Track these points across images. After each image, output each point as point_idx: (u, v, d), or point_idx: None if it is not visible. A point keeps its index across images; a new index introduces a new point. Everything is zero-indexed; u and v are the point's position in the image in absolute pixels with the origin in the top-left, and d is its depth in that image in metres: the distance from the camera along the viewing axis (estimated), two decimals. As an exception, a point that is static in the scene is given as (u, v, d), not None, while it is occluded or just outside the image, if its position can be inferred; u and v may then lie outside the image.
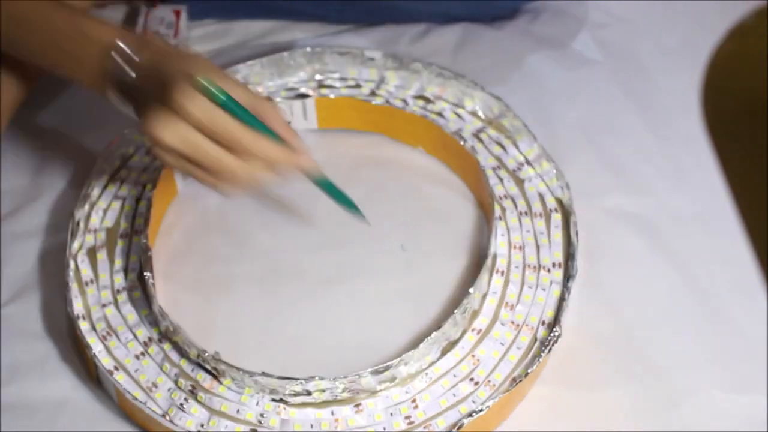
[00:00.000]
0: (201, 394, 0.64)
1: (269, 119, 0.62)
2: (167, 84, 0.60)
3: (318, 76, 0.84)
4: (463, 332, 0.67)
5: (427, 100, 0.82)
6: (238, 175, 0.61)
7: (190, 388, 0.64)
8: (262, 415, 0.63)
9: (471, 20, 0.92)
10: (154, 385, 0.65)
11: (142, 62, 0.64)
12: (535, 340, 0.67)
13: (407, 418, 0.63)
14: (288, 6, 0.93)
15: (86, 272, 0.71)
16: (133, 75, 0.64)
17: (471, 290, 0.66)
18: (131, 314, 0.69)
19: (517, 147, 0.78)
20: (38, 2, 0.68)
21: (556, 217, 0.73)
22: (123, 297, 0.69)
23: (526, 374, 0.63)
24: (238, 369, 0.62)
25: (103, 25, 0.66)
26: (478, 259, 0.73)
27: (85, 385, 0.67)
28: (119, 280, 0.71)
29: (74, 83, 0.71)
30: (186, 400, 0.64)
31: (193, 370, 0.65)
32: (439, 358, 0.66)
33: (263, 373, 0.62)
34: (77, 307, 0.69)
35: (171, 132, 0.59)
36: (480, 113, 0.81)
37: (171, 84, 0.59)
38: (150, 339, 0.67)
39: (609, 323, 0.69)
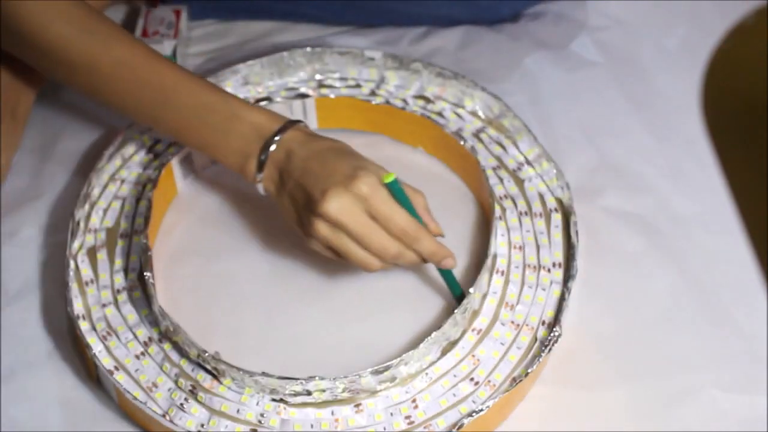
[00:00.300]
0: (201, 394, 0.64)
1: (418, 210, 0.67)
2: (341, 172, 0.65)
3: (318, 76, 0.84)
4: (463, 332, 0.67)
5: (427, 100, 0.82)
6: (393, 257, 0.66)
7: (190, 388, 0.64)
8: (262, 415, 0.63)
9: (472, 23, 0.92)
10: (155, 385, 0.65)
11: (298, 160, 0.67)
12: (535, 340, 0.67)
13: (407, 417, 0.63)
14: (288, 7, 0.93)
15: (86, 272, 0.71)
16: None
17: (471, 290, 0.66)
18: (131, 314, 0.69)
19: (517, 147, 0.78)
20: (191, 83, 0.69)
21: (556, 217, 0.73)
22: (123, 297, 0.69)
23: (526, 374, 0.63)
24: (239, 369, 0.62)
25: (260, 114, 0.68)
26: (478, 259, 0.73)
27: (85, 385, 0.67)
28: (119, 280, 0.71)
29: (216, 161, 0.72)
30: (186, 400, 0.64)
31: (193, 370, 0.65)
32: (439, 358, 0.66)
33: (263, 373, 0.62)
34: (77, 307, 0.69)
35: (349, 213, 0.64)
36: (480, 113, 0.81)
37: (354, 175, 0.64)
38: (150, 339, 0.67)
39: (609, 323, 0.69)
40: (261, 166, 0.67)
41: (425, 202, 0.68)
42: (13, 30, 0.68)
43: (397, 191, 0.65)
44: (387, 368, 0.63)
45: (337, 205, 0.63)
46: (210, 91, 0.69)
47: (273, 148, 0.67)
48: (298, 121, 0.69)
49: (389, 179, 0.65)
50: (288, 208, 0.67)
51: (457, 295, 0.69)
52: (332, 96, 0.82)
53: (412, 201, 0.67)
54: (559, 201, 0.74)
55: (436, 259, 0.67)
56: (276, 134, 0.67)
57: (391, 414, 0.63)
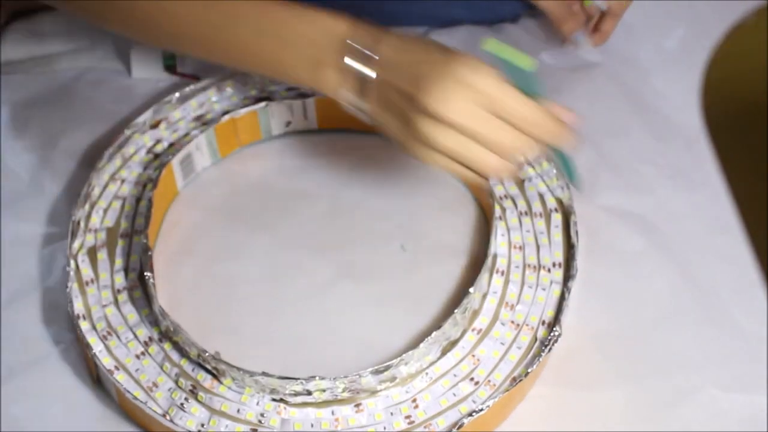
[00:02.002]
0: (201, 394, 0.64)
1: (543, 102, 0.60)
2: (437, 61, 0.56)
3: (318, 76, 0.84)
4: (464, 332, 0.67)
5: (427, 100, 0.82)
6: (512, 150, 0.57)
7: (190, 387, 0.64)
8: (262, 415, 0.63)
9: (472, 24, 0.92)
10: (155, 384, 0.65)
11: (382, 58, 0.59)
12: (535, 339, 0.67)
13: (407, 417, 0.63)
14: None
15: (86, 272, 0.71)
16: (373, 75, 0.59)
17: (471, 290, 0.66)
18: (132, 314, 0.69)
19: (517, 147, 0.78)
20: None
21: (556, 217, 0.73)
22: (123, 297, 0.70)
23: (527, 374, 0.63)
24: (239, 369, 0.63)
25: (330, 16, 0.60)
26: (478, 259, 0.73)
27: (85, 385, 0.67)
28: (120, 279, 0.71)
29: (287, 81, 0.65)
30: (186, 399, 0.64)
31: (193, 370, 0.65)
32: (439, 358, 0.66)
33: (263, 373, 0.62)
34: (77, 306, 0.69)
35: (461, 107, 0.55)
36: (480, 113, 0.81)
37: (451, 60, 0.56)
38: (150, 339, 0.67)
39: (609, 323, 0.69)
40: (342, 75, 0.60)
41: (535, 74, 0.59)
42: None
43: (506, 63, 0.55)
44: (387, 368, 0.63)
45: (443, 99, 0.55)
46: (278, 3, 0.62)
47: (348, 58, 0.59)
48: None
49: (490, 46, 0.55)
50: (386, 116, 0.59)
51: (570, 176, 0.63)
52: (332, 96, 0.82)
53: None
54: (559, 201, 0.74)
55: (556, 142, 0.59)
56: (349, 38, 0.59)
57: (392, 414, 0.63)
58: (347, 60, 0.59)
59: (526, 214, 0.74)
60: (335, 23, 0.61)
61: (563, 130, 0.59)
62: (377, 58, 0.59)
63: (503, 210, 0.74)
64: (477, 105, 0.56)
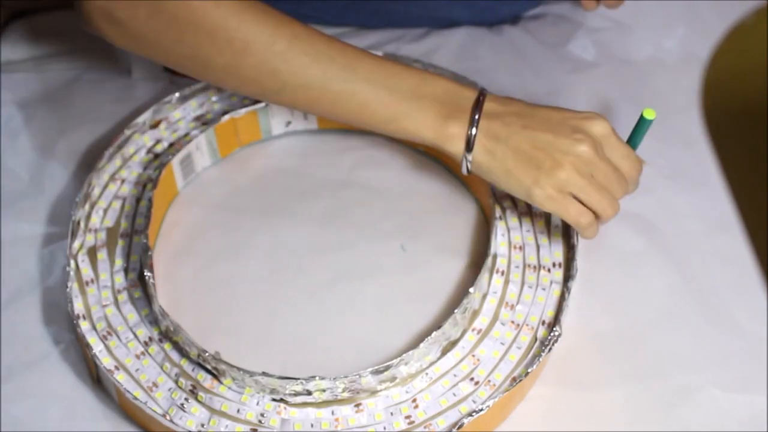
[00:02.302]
0: (201, 394, 0.64)
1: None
2: (571, 124, 0.63)
3: (318, 77, 0.84)
4: (464, 332, 0.67)
5: (427, 101, 0.82)
6: (606, 211, 0.65)
7: (190, 387, 0.64)
8: (262, 415, 0.63)
9: (472, 25, 0.92)
10: (155, 384, 0.65)
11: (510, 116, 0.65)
12: (535, 339, 0.67)
13: (407, 417, 0.63)
14: (288, 8, 0.93)
15: (86, 272, 0.71)
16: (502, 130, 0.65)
17: (471, 290, 0.66)
18: (132, 314, 0.69)
19: (517, 147, 0.78)
20: (370, 53, 0.66)
21: (557, 217, 0.73)
22: (123, 297, 0.70)
23: (527, 374, 0.63)
24: (239, 369, 0.63)
25: (448, 81, 0.66)
26: (478, 259, 0.73)
27: (85, 385, 0.67)
28: (120, 279, 0.71)
29: (407, 136, 0.67)
30: (186, 399, 0.64)
31: (193, 370, 0.65)
32: (439, 358, 0.66)
33: (263, 373, 0.62)
34: (77, 306, 0.69)
35: (590, 157, 0.62)
36: (480, 113, 0.81)
37: (584, 121, 0.63)
38: (150, 339, 0.67)
39: (609, 323, 0.69)
40: (468, 132, 0.64)
41: None
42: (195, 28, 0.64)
43: (638, 133, 0.64)
44: (387, 368, 0.63)
45: (583, 149, 0.62)
46: (392, 60, 0.66)
47: (477, 115, 0.64)
48: (482, 89, 0.66)
49: (651, 115, 0.63)
50: (509, 167, 0.64)
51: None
52: (332, 96, 0.82)
53: None
54: (559, 201, 0.74)
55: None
56: (474, 96, 0.65)
57: (392, 414, 0.63)
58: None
59: (526, 214, 0.74)
60: (459, 87, 0.66)
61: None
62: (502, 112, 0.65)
63: (503, 210, 0.74)
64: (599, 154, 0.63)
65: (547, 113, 0.65)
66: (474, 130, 0.64)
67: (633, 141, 0.66)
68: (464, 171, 0.67)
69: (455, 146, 0.65)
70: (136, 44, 0.66)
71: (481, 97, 0.65)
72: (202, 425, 0.63)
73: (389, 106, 0.65)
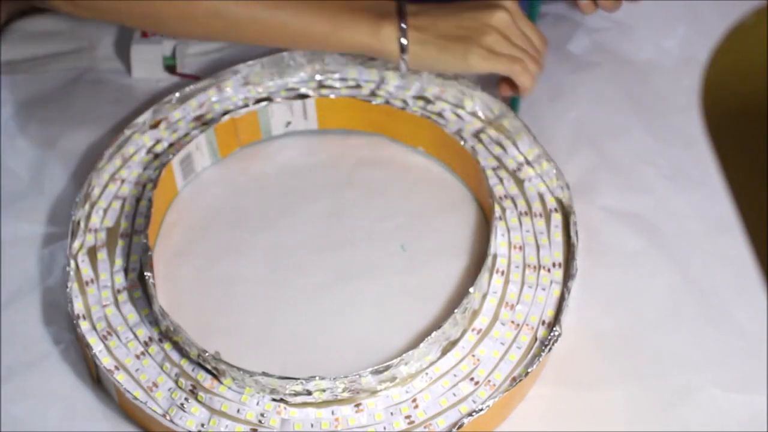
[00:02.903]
0: (201, 394, 0.64)
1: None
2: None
3: (318, 77, 0.84)
4: (464, 332, 0.67)
5: (427, 101, 0.82)
6: (532, 61, 0.75)
7: (190, 387, 0.64)
8: (262, 415, 0.63)
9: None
10: (155, 384, 0.65)
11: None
12: (535, 339, 0.67)
13: (407, 417, 0.63)
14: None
15: (86, 272, 0.71)
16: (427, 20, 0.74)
17: (471, 290, 0.66)
18: (132, 314, 0.69)
19: (517, 147, 0.78)
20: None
21: (556, 217, 0.73)
22: (123, 297, 0.70)
23: (526, 374, 0.63)
24: (239, 369, 0.63)
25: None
26: (478, 259, 0.73)
27: (85, 385, 0.67)
28: (120, 279, 0.71)
29: (344, 48, 0.76)
30: (186, 399, 0.64)
31: (193, 370, 0.65)
32: (439, 358, 0.66)
33: (263, 373, 0.62)
34: (77, 306, 0.69)
35: (507, 24, 0.73)
36: (480, 114, 0.81)
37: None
38: (150, 339, 0.67)
39: (609, 323, 0.69)
40: (399, 28, 0.73)
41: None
42: None
43: (532, 12, 0.77)
44: (387, 368, 0.63)
45: (500, 15, 0.73)
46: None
47: (403, 14, 0.73)
48: None
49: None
50: (442, 46, 0.73)
51: (515, 108, 0.80)
52: (332, 96, 0.82)
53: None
54: (559, 201, 0.74)
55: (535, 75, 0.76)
56: (394, 3, 0.73)
57: (392, 413, 0.63)
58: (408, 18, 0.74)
59: (526, 214, 0.74)
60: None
61: (539, 66, 0.76)
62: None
63: (503, 210, 0.74)
64: (514, 25, 0.74)
65: (460, 3, 0.75)
66: (404, 25, 0.73)
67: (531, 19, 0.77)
68: (403, 69, 0.74)
69: (391, 45, 0.73)
70: (92, 12, 0.73)
71: (401, 2, 0.74)
72: (202, 425, 0.63)
73: (328, 22, 0.73)
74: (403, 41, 0.73)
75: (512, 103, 0.80)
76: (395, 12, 0.73)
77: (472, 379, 0.65)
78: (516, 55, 0.74)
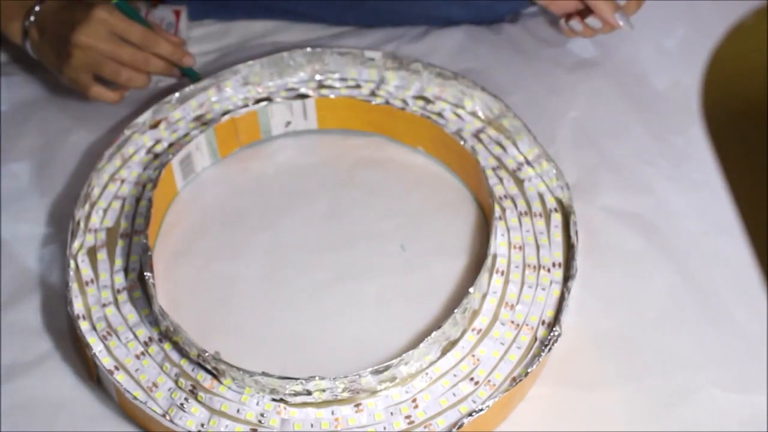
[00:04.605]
0: (201, 394, 0.64)
1: (156, 29, 0.82)
2: (83, 10, 0.78)
3: (318, 77, 0.84)
4: (463, 332, 0.67)
5: (427, 101, 0.82)
6: (143, 63, 0.80)
7: (190, 387, 0.64)
8: (262, 415, 0.63)
9: (471, 24, 0.92)
10: (155, 384, 0.65)
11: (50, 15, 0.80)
12: (535, 339, 0.67)
13: (407, 417, 0.63)
14: (288, 6, 0.93)
15: (86, 272, 0.71)
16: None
17: (471, 290, 0.66)
18: (131, 314, 0.69)
19: (516, 147, 0.78)
20: None
21: (556, 217, 0.73)
22: (123, 297, 0.70)
23: (526, 374, 0.63)
24: (239, 369, 0.63)
25: None
26: (478, 259, 0.73)
27: (85, 385, 0.67)
28: (119, 279, 0.71)
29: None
30: (186, 399, 0.64)
31: (193, 370, 0.65)
32: (439, 358, 0.66)
33: (263, 373, 0.62)
34: (77, 306, 0.69)
35: (97, 35, 0.78)
36: (480, 113, 0.81)
37: (90, 7, 0.78)
38: (150, 339, 0.67)
39: (609, 323, 0.69)
40: (26, 31, 0.80)
41: (159, 25, 0.85)
42: None
43: (126, 9, 0.79)
44: (387, 368, 0.63)
45: (84, 31, 0.77)
46: None
47: (32, 18, 0.80)
48: None
49: (115, 0, 0.79)
50: (48, 54, 0.80)
51: (195, 79, 0.83)
52: (332, 96, 0.82)
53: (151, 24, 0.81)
54: (559, 201, 0.74)
55: (177, 58, 0.82)
56: (35, 5, 0.80)
57: (392, 413, 0.63)
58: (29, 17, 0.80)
59: (526, 214, 0.74)
60: None
61: (177, 50, 0.82)
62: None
63: (503, 210, 0.74)
64: (109, 33, 0.78)
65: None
66: (29, 21, 0.80)
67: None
68: (30, 52, 0.82)
69: (16, 36, 0.81)
70: None
71: None
72: (202, 425, 0.63)
73: None
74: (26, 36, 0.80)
75: (189, 74, 0.84)
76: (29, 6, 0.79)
77: (472, 379, 0.65)
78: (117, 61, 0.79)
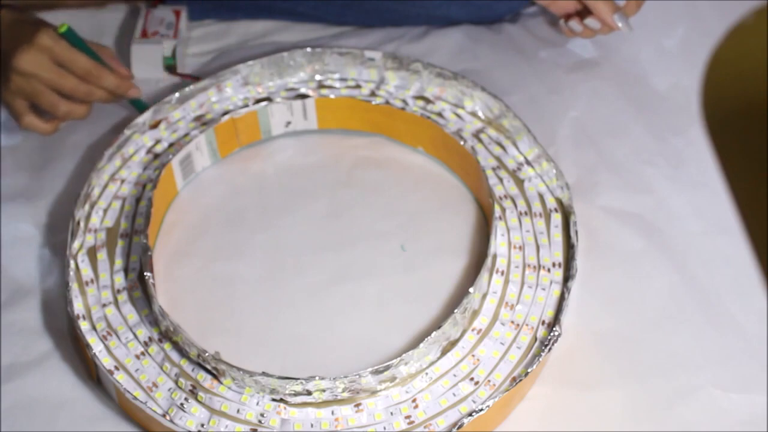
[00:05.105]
0: (201, 394, 0.64)
1: (106, 58, 0.79)
2: (29, 33, 0.75)
3: (318, 77, 0.84)
4: (463, 332, 0.67)
5: (427, 101, 0.82)
6: (85, 95, 0.77)
7: (190, 387, 0.64)
8: (262, 415, 0.63)
9: (471, 23, 0.92)
10: (155, 384, 0.65)
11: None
12: (535, 339, 0.67)
13: (407, 417, 0.63)
14: (288, 6, 0.93)
15: (86, 272, 0.71)
16: None
17: (471, 290, 0.66)
18: (131, 314, 0.69)
19: (516, 147, 0.78)
20: None
21: (556, 217, 0.73)
22: (123, 297, 0.70)
23: (526, 374, 0.63)
24: (239, 369, 0.63)
25: None
26: (478, 259, 0.73)
27: (85, 385, 0.67)
28: (119, 279, 0.71)
29: None
30: (186, 399, 0.64)
31: (193, 370, 0.65)
32: (439, 358, 0.66)
33: (263, 373, 0.62)
34: (77, 306, 0.69)
35: (38, 64, 0.75)
36: (480, 113, 0.81)
37: (35, 31, 0.75)
38: (150, 339, 0.67)
39: (609, 323, 0.69)
40: None
41: (112, 53, 0.81)
42: None
43: (73, 40, 0.76)
44: (387, 368, 0.63)
45: (26, 58, 0.74)
46: None
47: None
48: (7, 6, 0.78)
49: (63, 28, 0.75)
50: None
51: (141, 110, 0.81)
52: (332, 96, 0.82)
53: (98, 51, 0.78)
54: (559, 201, 0.74)
55: (122, 91, 0.79)
56: None
57: (391, 413, 0.63)
58: None
59: (526, 214, 0.74)
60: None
61: (123, 82, 0.79)
62: None
63: (503, 210, 0.74)
64: (51, 62, 0.75)
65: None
66: None
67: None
68: None
69: None
70: None
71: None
72: (202, 425, 0.63)
73: None
74: None
75: (136, 105, 0.82)
76: None
77: (472, 379, 0.65)
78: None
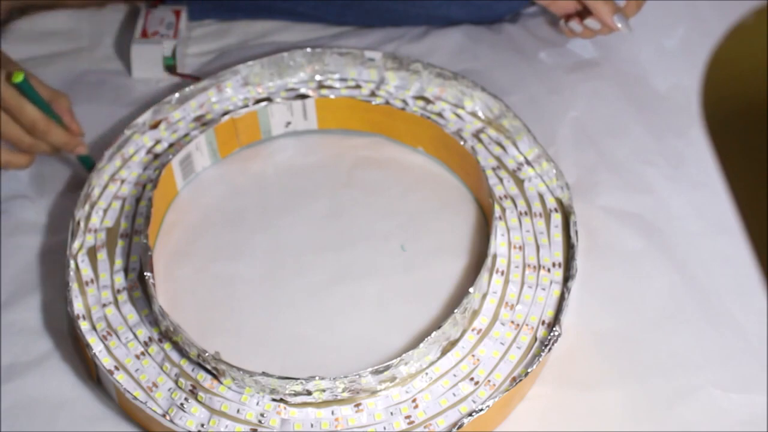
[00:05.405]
0: (201, 394, 0.64)
1: (61, 110, 0.75)
2: None
3: (318, 77, 0.84)
4: (463, 332, 0.67)
5: (427, 101, 0.82)
6: (28, 147, 0.74)
7: (190, 387, 0.64)
8: (262, 415, 0.63)
9: (471, 23, 0.92)
10: (155, 384, 0.65)
11: None
12: (535, 339, 0.67)
13: (407, 417, 0.63)
14: (288, 6, 0.93)
15: (86, 272, 0.71)
16: None
17: (471, 290, 0.66)
18: (131, 314, 0.69)
19: (516, 147, 0.78)
20: None
21: (556, 217, 0.73)
22: (123, 297, 0.70)
23: (526, 374, 0.63)
24: (239, 369, 0.63)
25: None
26: (478, 259, 0.73)
27: (85, 385, 0.67)
28: (119, 279, 0.71)
29: None
30: (186, 399, 0.64)
31: (193, 370, 0.65)
32: (439, 358, 0.66)
33: (263, 373, 0.62)
34: (77, 306, 0.69)
35: None
36: (480, 114, 0.81)
37: None
38: (150, 339, 0.67)
39: (609, 323, 0.69)
40: None
41: (68, 104, 0.77)
42: None
43: (27, 90, 0.72)
44: (387, 368, 0.63)
45: None
46: None
47: None
48: None
49: (17, 78, 0.71)
50: None
51: (88, 168, 0.78)
52: (332, 96, 0.82)
53: (54, 102, 0.75)
54: (559, 201, 0.74)
55: (69, 149, 0.76)
56: None
57: (391, 414, 0.63)
58: None
59: (526, 214, 0.74)
60: None
61: (71, 139, 0.76)
62: None
63: (503, 210, 0.74)
64: (21, 97, 0.72)
65: None
66: None
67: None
68: None
69: None
70: None
71: None
72: (202, 425, 0.63)
73: None
74: None
75: (83, 161, 0.79)
76: None
77: (472, 379, 0.65)
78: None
